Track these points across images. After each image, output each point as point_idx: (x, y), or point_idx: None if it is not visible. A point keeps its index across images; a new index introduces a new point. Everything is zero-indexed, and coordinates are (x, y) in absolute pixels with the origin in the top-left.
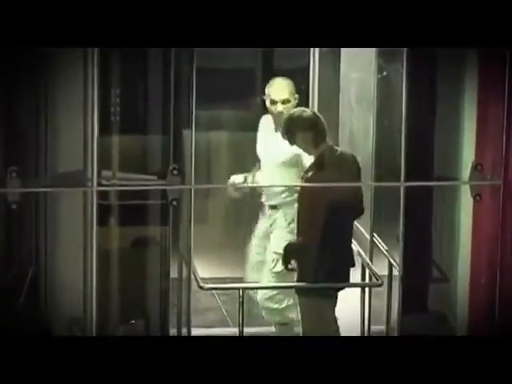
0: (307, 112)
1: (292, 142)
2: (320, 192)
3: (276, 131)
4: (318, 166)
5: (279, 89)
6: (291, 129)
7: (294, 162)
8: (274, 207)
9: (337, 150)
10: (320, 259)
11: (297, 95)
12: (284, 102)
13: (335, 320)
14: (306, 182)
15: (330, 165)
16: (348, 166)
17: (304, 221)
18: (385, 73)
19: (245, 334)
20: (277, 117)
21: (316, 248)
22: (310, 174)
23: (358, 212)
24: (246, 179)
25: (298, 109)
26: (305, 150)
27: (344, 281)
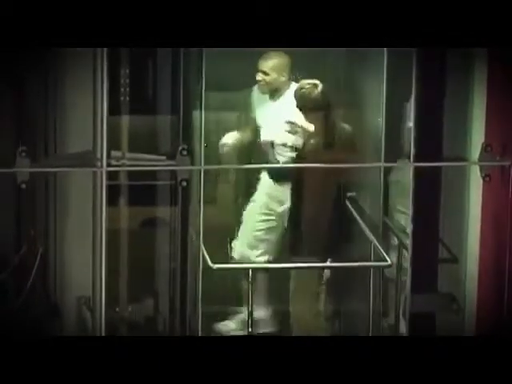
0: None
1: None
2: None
3: (270, 98)
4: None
5: (264, 59)
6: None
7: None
8: None
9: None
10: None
11: (285, 73)
12: (263, 73)
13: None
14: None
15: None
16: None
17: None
18: None
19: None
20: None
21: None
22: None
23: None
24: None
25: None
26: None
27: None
